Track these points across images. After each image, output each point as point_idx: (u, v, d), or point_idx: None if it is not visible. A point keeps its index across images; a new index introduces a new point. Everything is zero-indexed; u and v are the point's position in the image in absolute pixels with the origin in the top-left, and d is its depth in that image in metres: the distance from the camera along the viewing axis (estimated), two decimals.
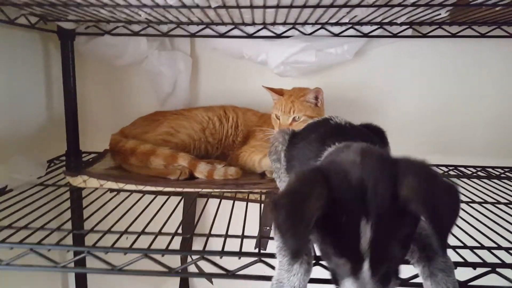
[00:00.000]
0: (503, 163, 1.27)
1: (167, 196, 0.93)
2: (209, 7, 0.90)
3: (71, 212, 0.92)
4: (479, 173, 1.22)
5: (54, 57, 1.29)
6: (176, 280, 1.46)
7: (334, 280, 0.54)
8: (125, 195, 0.96)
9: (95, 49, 1.27)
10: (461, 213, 0.87)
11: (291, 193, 0.53)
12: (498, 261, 0.66)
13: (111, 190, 1.00)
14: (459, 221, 0.83)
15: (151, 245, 0.70)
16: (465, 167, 1.25)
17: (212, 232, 0.77)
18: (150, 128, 1.13)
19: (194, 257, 0.69)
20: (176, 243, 0.77)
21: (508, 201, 0.96)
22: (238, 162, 1.14)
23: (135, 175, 1.04)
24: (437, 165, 1.26)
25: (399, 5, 0.93)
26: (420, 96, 1.33)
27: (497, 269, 0.63)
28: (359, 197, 0.49)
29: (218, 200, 0.97)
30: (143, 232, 0.75)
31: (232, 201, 0.93)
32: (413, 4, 0.92)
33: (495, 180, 1.14)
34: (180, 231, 0.82)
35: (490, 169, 1.24)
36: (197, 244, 1.33)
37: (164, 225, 0.78)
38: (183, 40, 1.31)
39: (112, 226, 0.77)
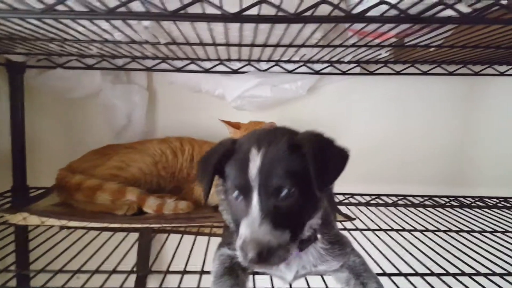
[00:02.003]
0: (447, 192, 1.33)
1: (124, 233, 0.90)
2: (159, 43, 0.91)
3: (15, 251, 0.87)
4: (426, 202, 1.27)
5: (2, 90, 1.25)
6: None
7: (237, 231, 0.55)
8: (77, 232, 0.92)
9: (47, 83, 1.24)
10: (401, 241, 0.92)
11: (206, 153, 0.63)
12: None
13: (61, 228, 0.95)
14: (397, 249, 0.87)
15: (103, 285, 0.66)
16: (413, 196, 1.30)
17: (171, 269, 0.76)
18: (100, 162, 1.10)
19: None
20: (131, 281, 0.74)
21: (447, 229, 1.00)
22: (193, 195, 1.13)
23: (80, 211, 1.00)
24: (387, 195, 1.30)
25: (340, 46, 0.98)
26: (369, 129, 1.39)
27: None
28: (256, 139, 0.56)
29: (180, 235, 0.96)
30: (97, 271, 0.72)
31: (194, 237, 0.92)
32: (353, 45, 0.98)
33: (439, 209, 1.19)
34: (135, 268, 0.79)
35: (436, 198, 1.29)
36: (154, 282, 1.28)
37: (119, 263, 0.76)
38: (140, 73, 1.31)
39: (64, 266, 0.74)
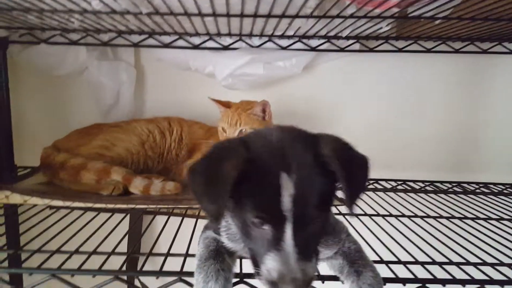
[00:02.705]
0: (449, 177, 1.27)
1: (117, 215, 0.86)
2: (140, 13, 0.85)
3: (6, 232, 0.85)
4: (427, 187, 1.21)
5: None
6: None
7: (255, 263, 0.51)
8: (66, 212, 0.88)
9: (31, 58, 1.19)
10: (401, 228, 0.87)
11: (208, 158, 0.51)
12: (430, 277, 0.63)
13: (50, 207, 0.92)
14: (396, 236, 0.82)
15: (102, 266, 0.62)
16: (413, 181, 1.24)
17: (155, 251, 0.73)
18: (85, 141, 1.06)
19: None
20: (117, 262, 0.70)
21: (450, 215, 0.95)
22: (181, 177, 1.09)
23: (64, 190, 0.96)
24: (385, 180, 1.24)
25: (338, 16, 0.91)
26: (368, 110, 1.33)
27: (427, 285, 0.61)
28: (279, 155, 0.48)
29: (166, 216, 0.91)
30: (94, 252, 0.69)
31: (181, 218, 0.88)
32: (351, 16, 0.91)
33: (442, 195, 1.13)
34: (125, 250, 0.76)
35: (438, 184, 1.24)
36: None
37: (118, 244, 0.73)
38: (127, 50, 1.26)
39: (60, 247, 0.70)
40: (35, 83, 1.29)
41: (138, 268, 0.87)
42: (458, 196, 1.13)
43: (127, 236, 0.82)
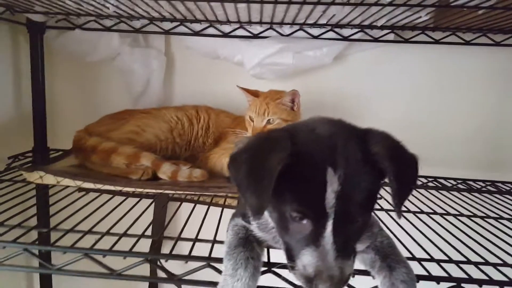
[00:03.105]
0: (484, 176, 1.22)
1: (138, 199, 0.89)
2: None
3: (37, 211, 0.88)
4: (459, 185, 1.17)
5: (24, 51, 1.24)
6: (145, 285, 1.39)
7: (289, 257, 0.50)
8: (94, 195, 0.90)
9: (66, 44, 1.22)
10: (433, 225, 0.84)
11: (253, 147, 0.50)
12: (465, 276, 0.61)
13: (80, 190, 0.94)
14: (428, 233, 0.79)
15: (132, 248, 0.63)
16: (445, 179, 1.20)
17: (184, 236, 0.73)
18: (116, 126, 1.08)
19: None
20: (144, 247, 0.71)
21: (485, 215, 0.91)
22: (208, 165, 1.09)
23: (95, 173, 0.99)
24: None
25: (375, 4, 0.88)
26: (401, 104, 1.29)
27: (462, 284, 0.58)
28: (327, 150, 0.47)
29: (192, 204, 0.92)
30: (125, 234, 0.70)
31: (207, 206, 0.88)
32: (390, 4, 0.88)
33: (475, 194, 1.08)
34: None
35: (471, 182, 1.19)
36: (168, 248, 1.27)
37: (147, 228, 0.75)
38: (158, 37, 1.27)
39: (92, 228, 0.71)
40: (69, 68, 1.32)
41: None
42: (493, 196, 1.08)
43: (143, 222, 0.82)
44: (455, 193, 1.08)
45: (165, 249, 1.26)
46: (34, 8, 1.07)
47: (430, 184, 1.17)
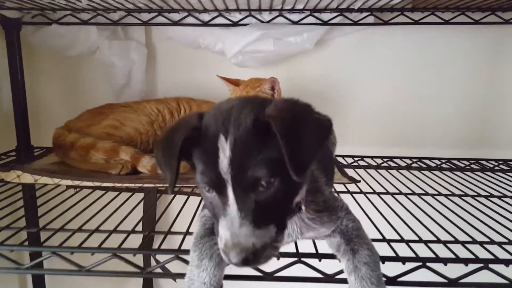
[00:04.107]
0: (468, 154, 1.22)
1: (129, 193, 0.89)
2: None
3: (24, 210, 0.88)
4: (443, 165, 1.17)
5: (1, 48, 1.22)
6: (139, 279, 1.41)
7: (216, 226, 0.50)
8: (86, 192, 0.90)
9: (44, 40, 1.21)
10: (410, 206, 0.84)
11: (167, 130, 0.55)
12: (432, 255, 0.61)
13: (67, 187, 0.93)
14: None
15: (121, 245, 0.63)
16: (429, 159, 1.20)
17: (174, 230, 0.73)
18: (95, 121, 1.07)
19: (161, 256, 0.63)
20: (136, 241, 0.72)
21: (463, 193, 0.91)
22: None
23: (74, 170, 0.99)
24: (400, 157, 1.21)
25: None
26: (384, 87, 1.28)
27: (428, 264, 0.59)
28: (222, 120, 0.48)
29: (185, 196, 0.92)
30: (115, 231, 0.69)
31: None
32: None
33: (458, 172, 1.09)
34: (140, 228, 0.77)
35: (455, 161, 1.19)
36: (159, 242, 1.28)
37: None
38: (137, 29, 1.25)
39: (81, 226, 0.71)
40: (49, 65, 1.31)
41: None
42: (475, 174, 1.08)
43: (137, 215, 0.82)
44: (438, 173, 1.09)
45: (156, 242, 1.27)
46: (5, 4, 1.06)
47: (414, 165, 1.17)
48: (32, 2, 1.02)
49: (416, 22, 1.15)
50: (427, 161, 1.20)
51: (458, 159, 1.20)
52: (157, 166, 0.52)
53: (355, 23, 1.17)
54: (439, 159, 1.21)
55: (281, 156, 0.44)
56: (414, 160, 1.20)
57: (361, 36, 1.24)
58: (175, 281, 1.37)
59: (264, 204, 0.46)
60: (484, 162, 1.19)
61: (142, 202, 1.04)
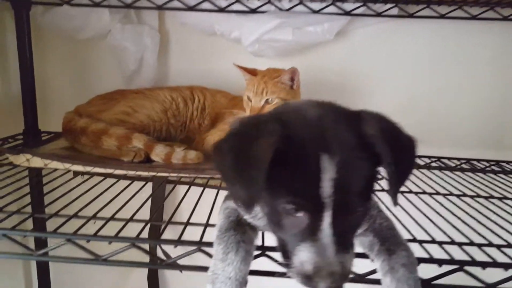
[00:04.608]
0: (489, 156, 1.18)
1: (137, 182, 0.86)
2: None
3: (30, 194, 0.85)
4: (463, 165, 1.13)
5: (10, 29, 1.19)
6: (144, 270, 1.38)
7: (284, 254, 0.46)
8: (94, 181, 0.87)
9: (54, 21, 1.16)
10: (436, 206, 0.81)
11: (238, 134, 0.45)
12: (468, 259, 0.58)
13: (75, 173, 0.90)
14: (430, 214, 0.76)
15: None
16: (449, 158, 1.17)
17: (177, 220, 0.71)
18: (107, 107, 1.04)
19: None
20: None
21: (489, 195, 0.88)
22: (204, 146, 1.06)
23: (85, 155, 0.95)
24: (419, 156, 1.17)
25: None
26: (404, 82, 1.24)
27: (465, 267, 0.55)
28: (319, 133, 0.42)
29: (187, 186, 0.89)
30: (112, 218, 0.67)
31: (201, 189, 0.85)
32: None
33: (479, 174, 1.05)
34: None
35: (475, 162, 1.16)
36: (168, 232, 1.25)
37: (135, 213, 0.70)
38: (151, 13, 1.21)
39: (80, 210, 0.69)
40: (59, 47, 1.27)
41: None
42: (497, 176, 1.05)
43: (149, 204, 0.80)
44: (459, 173, 1.05)
45: (166, 233, 1.23)
46: None
47: (433, 164, 1.13)
48: None
49: (442, 16, 1.11)
50: (446, 161, 1.16)
51: (478, 160, 1.17)
52: (221, 177, 0.44)
53: (379, 14, 1.12)
54: (458, 159, 1.17)
55: (374, 177, 0.44)
56: (433, 159, 1.17)
57: (384, 29, 1.19)
58: (181, 271, 1.36)
59: (353, 227, 0.45)
60: (504, 164, 1.16)
61: (151, 192, 1.02)
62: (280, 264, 0.51)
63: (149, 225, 1.12)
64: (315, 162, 0.41)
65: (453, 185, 0.95)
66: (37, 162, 0.90)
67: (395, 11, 1.12)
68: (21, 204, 0.73)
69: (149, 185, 0.98)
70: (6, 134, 1.14)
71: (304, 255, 0.42)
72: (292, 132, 0.43)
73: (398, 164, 0.42)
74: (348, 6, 1.12)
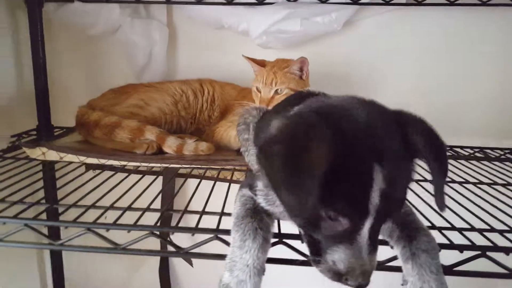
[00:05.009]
0: (503, 144, 1.17)
1: (147, 176, 0.87)
2: None
3: (44, 187, 0.87)
4: (476, 154, 1.12)
5: (23, 26, 1.20)
6: (156, 257, 1.39)
7: (315, 251, 0.46)
8: (106, 175, 0.87)
9: (66, 17, 1.18)
10: (453, 194, 0.80)
11: (284, 134, 0.42)
12: (489, 244, 0.57)
13: (87, 166, 0.92)
14: (449, 202, 0.75)
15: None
16: (461, 147, 1.16)
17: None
18: (119, 101, 1.05)
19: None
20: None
21: (506, 182, 0.87)
22: (214, 138, 1.06)
23: (99, 148, 0.97)
24: None
25: None
26: (415, 71, 1.23)
27: (487, 253, 0.55)
28: (371, 141, 0.42)
29: (198, 180, 0.90)
30: (128, 208, 0.67)
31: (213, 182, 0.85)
32: None
33: (494, 162, 1.04)
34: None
35: (489, 150, 1.14)
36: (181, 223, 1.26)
37: (152, 201, 0.71)
38: (159, 7, 1.22)
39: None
40: (71, 43, 1.28)
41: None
42: None
43: (160, 197, 0.80)
44: (473, 161, 1.04)
45: (174, 223, 1.25)
46: None
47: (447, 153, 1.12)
48: None
49: (452, 3, 1.10)
50: (458, 150, 1.15)
51: (491, 148, 1.15)
52: (270, 180, 0.41)
53: (387, 3, 1.11)
54: (471, 147, 1.16)
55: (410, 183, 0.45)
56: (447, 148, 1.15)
57: (392, 17, 1.18)
58: (192, 266, 1.35)
59: (381, 228, 0.45)
60: None
61: (160, 186, 1.03)
62: (307, 258, 0.51)
63: (161, 215, 1.13)
64: (367, 172, 0.40)
65: (469, 173, 0.94)
66: (52, 155, 0.92)
67: None
68: (36, 197, 0.74)
69: (159, 180, 0.98)
70: (20, 129, 1.16)
71: (338, 255, 0.43)
72: (344, 140, 0.41)
73: (442, 174, 0.43)
74: None
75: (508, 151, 1.14)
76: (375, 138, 0.42)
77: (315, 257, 0.45)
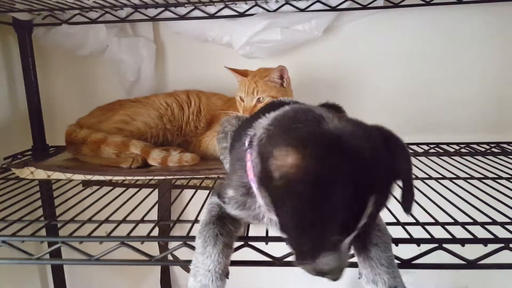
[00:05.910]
0: (487, 138, 1.17)
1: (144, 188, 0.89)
2: None
3: (42, 205, 0.89)
4: (462, 150, 1.12)
5: (15, 51, 1.25)
6: (157, 271, 1.42)
7: (300, 256, 0.47)
8: (104, 191, 0.88)
9: (55, 40, 1.23)
10: (440, 189, 0.81)
11: (311, 177, 0.40)
12: (449, 237, 0.59)
13: (85, 183, 0.93)
14: (435, 198, 0.76)
15: (130, 233, 0.63)
16: (447, 144, 1.16)
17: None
18: (106, 117, 1.08)
19: (175, 243, 0.61)
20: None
21: (496, 176, 0.87)
22: (201, 148, 1.09)
23: (86, 165, 1.00)
24: (417, 144, 1.17)
25: None
26: (398, 72, 1.24)
27: (444, 245, 0.56)
28: (368, 174, 0.42)
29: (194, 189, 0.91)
30: (123, 221, 0.69)
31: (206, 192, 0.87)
32: None
33: (479, 157, 1.04)
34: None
35: (474, 145, 1.14)
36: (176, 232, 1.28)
37: (145, 215, 0.73)
38: (145, 25, 1.26)
39: (91, 217, 0.72)
40: (62, 64, 1.33)
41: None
42: (497, 158, 1.03)
43: (156, 208, 0.80)
44: (458, 158, 1.04)
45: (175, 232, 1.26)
46: (15, 6, 1.08)
47: (431, 151, 1.13)
48: (41, 3, 1.04)
49: (428, 3, 1.11)
50: (444, 147, 1.15)
51: (478, 143, 1.15)
52: (289, 218, 0.43)
53: (364, 7, 1.13)
54: (457, 143, 1.16)
55: None
56: (432, 145, 1.16)
57: (371, 21, 1.20)
58: (187, 271, 1.36)
59: None
60: (505, 146, 1.14)
61: (158, 195, 1.05)
62: (292, 260, 0.51)
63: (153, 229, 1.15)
64: (364, 203, 0.42)
65: (448, 169, 0.94)
66: (40, 174, 0.95)
67: (380, 2, 1.13)
68: (35, 215, 0.76)
69: (156, 192, 0.99)
70: (16, 150, 1.20)
71: (325, 261, 0.45)
72: (351, 177, 0.41)
73: (411, 187, 0.47)
74: (333, 2, 1.13)
75: (494, 144, 1.14)
76: (371, 170, 0.42)
77: (302, 261, 0.47)
